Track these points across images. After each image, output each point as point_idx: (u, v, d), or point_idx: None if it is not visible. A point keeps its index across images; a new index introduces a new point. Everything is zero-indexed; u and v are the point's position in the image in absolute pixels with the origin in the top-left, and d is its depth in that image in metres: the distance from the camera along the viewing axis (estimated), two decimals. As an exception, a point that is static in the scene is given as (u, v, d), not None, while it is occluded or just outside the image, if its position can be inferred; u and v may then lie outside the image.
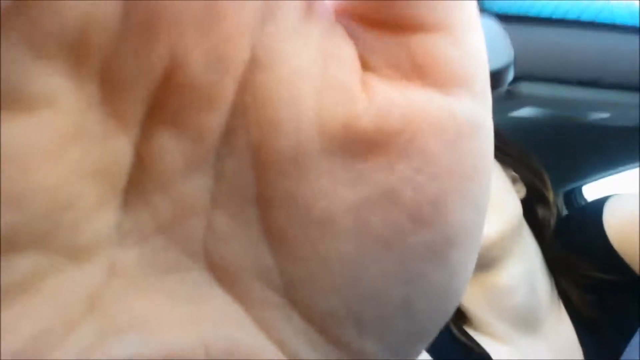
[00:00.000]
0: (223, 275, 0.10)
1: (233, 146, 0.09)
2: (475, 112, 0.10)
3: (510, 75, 0.58)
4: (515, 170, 0.66)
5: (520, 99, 0.64)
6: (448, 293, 0.10)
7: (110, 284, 0.09)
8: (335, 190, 0.09)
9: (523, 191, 0.66)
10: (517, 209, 0.62)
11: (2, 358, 0.07)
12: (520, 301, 0.60)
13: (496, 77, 0.56)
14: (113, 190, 0.09)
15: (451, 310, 0.11)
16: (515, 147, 0.67)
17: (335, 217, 0.09)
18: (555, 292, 0.65)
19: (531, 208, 0.66)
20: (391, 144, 0.09)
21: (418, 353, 0.11)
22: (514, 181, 0.65)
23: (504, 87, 0.60)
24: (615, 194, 0.66)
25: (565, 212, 0.83)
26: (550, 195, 0.67)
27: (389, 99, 0.09)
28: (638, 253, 0.60)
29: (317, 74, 0.09)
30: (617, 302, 0.64)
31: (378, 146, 0.09)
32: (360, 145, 0.09)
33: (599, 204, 0.65)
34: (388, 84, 0.09)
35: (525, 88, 0.63)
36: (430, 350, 0.53)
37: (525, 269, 0.62)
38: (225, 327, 0.10)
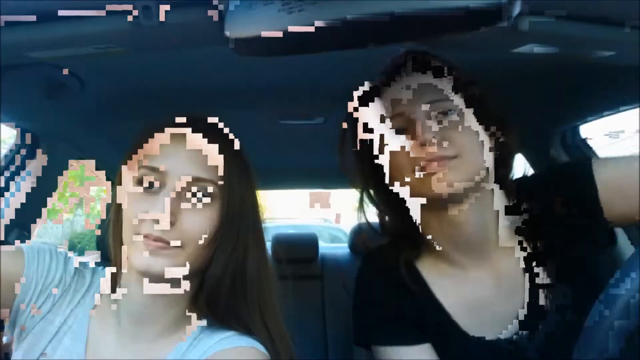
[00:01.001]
0: None
1: None
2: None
3: (516, 10, 0.56)
4: (490, 132, 0.76)
5: (525, 35, 0.63)
6: None
7: None
8: None
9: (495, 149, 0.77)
10: (487, 164, 0.74)
11: None
12: (471, 233, 0.78)
13: (501, 11, 0.54)
14: None
15: None
16: (497, 110, 0.77)
17: None
18: (512, 231, 0.80)
19: (501, 164, 0.79)
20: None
21: None
22: (490, 138, 0.76)
23: (510, 22, 0.59)
24: (600, 158, 0.79)
25: (530, 171, 0.87)
26: (513, 158, 0.81)
27: None
28: (622, 206, 0.74)
29: None
30: (571, 246, 0.77)
31: None
32: None
33: (585, 161, 0.78)
34: None
35: (531, 24, 0.61)
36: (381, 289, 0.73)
37: (482, 209, 0.76)
38: None
